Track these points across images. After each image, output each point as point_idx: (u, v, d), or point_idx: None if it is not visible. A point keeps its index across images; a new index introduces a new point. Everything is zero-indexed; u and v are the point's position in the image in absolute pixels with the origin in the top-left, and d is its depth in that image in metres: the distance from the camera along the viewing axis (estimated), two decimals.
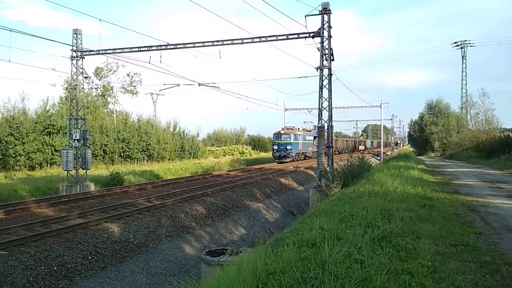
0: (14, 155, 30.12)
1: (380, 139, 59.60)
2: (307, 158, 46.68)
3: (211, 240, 13.62)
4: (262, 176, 26.02)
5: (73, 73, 22.55)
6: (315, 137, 18.93)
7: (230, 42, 20.46)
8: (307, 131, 48.11)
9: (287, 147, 40.46)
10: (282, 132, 41.84)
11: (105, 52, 22.51)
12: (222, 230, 14.78)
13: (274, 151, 41.45)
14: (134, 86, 50.90)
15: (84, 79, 23.58)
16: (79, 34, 22.09)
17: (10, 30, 17.53)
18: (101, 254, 10.03)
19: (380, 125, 58.70)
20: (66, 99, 38.30)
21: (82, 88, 23.83)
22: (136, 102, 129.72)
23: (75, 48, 22.03)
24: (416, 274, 4.60)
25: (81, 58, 22.40)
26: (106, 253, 10.16)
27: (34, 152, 31.50)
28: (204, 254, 8.96)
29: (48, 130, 33.35)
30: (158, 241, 11.96)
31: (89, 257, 9.69)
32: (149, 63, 21.37)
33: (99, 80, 48.26)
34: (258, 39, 20.05)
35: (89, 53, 22.51)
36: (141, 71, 69.06)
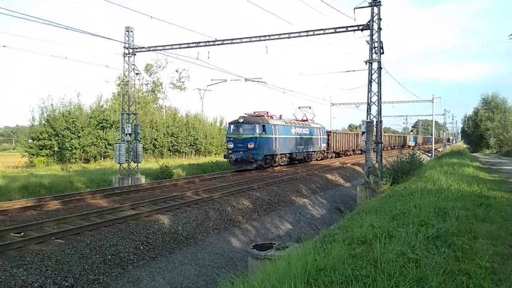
0: (70, 148, 31.70)
1: (432, 135, 57.33)
2: (295, 162, 32.09)
3: (257, 234, 13.70)
4: (307, 171, 25.83)
5: (125, 69, 23.33)
6: (363, 133, 18.54)
7: (277, 37, 20.39)
8: (301, 121, 34.45)
9: (249, 145, 25.10)
10: (241, 120, 26.12)
11: (156, 48, 23.11)
12: (268, 224, 14.82)
13: (229, 150, 26.01)
14: (182, 82, 52.06)
15: (135, 75, 24.34)
16: (131, 31, 22.81)
17: (66, 28, 18.24)
18: (152, 244, 10.34)
19: (432, 120, 56.54)
20: (118, 94, 39.78)
21: (134, 84, 24.62)
22: (184, 98, 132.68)
23: (127, 45, 22.77)
24: (474, 275, 4.41)
25: (133, 55, 23.13)
26: (157, 243, 10.46)
27: (89, 146, 33.01)
28: (251, 248, 9.00)
29: (101, 124, 34.80)
30: (206, 233, 12.17)
31: (141, 247, 10.01)
32: (197, 59, 21.73)
33: (149, 76, 49.75)
34: (305, 33, 19.83)
35: (140, 49, 23.19)
36: (189, 67, 70.52)
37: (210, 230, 12.45)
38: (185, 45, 21.97)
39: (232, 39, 21.32)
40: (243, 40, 21.07)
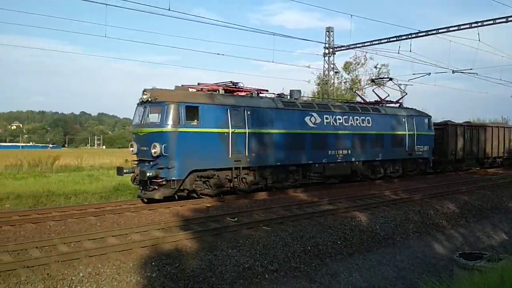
0: None
1: None
2: (336, 182, 17.83)
3: (464, 242, 12.48)
4: None
5: (325, 68, 24.16)
6: None
7: (492, 22, 18.07)
8: (355, 104, 19.78)
9: (152, 149, 11.70)
10: (145, 96, 12.41)
11: (355, 46, 23.21)
12: (478, 232, 13.33)
13: (134, 153, 13.11)
14: (381, 79, 50.71)
15: (334, 74, 24.94)
16: (331, 31, 23.45)
17: (273, 34, 20.10)
18: (348, 240, 10.48)
19: None
20: (318, 93, 41.37)
21: (333, 82, 25.26)
22: (383, 93, 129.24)
23: (327, 45, 23.51)
24: None
25: (333, 54, 23.75)
26: (354, 240, 10.56)
27: None
28: (457, 256, 8.36)
29: None
30: (405, 235, 11.70)
31: (338, 242, 10.27)
32: (398, 53, 20.96)
33: (348, 74, 50.07)
34: None
35: (339, 48, 23.65)
36: (389, 61, 68.35)
37: (409, 233, 11.92)
38: (385, 40, 21.46)
39: (438, 29, 19.83)
40: (450, 29, 19.35)
